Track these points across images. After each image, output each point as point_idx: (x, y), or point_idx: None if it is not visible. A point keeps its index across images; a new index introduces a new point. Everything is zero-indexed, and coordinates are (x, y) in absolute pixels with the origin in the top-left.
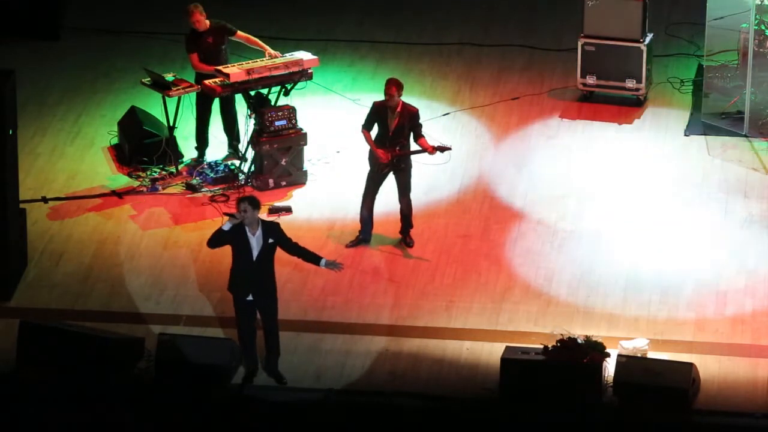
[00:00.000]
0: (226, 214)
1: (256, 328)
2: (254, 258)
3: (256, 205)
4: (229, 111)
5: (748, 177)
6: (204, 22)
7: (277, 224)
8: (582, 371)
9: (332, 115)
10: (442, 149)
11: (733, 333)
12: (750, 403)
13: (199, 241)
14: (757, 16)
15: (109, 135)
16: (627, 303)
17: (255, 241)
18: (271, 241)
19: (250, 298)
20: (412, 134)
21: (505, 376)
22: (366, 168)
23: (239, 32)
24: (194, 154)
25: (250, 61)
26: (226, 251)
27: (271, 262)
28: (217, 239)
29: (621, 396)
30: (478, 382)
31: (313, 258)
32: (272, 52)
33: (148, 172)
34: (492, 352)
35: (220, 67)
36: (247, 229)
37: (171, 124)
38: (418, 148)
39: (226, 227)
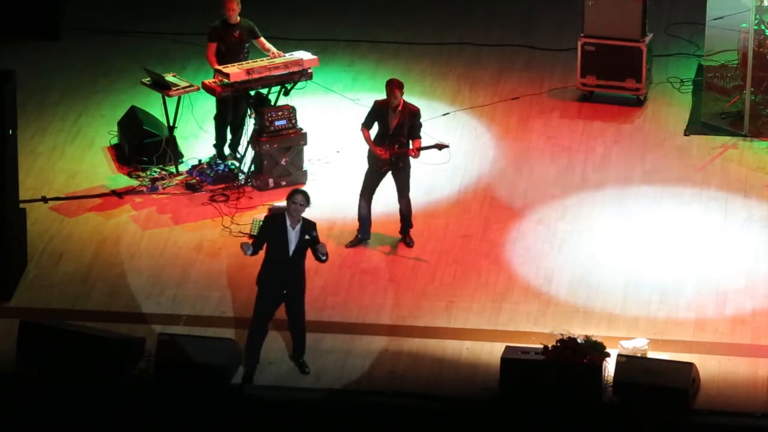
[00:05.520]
0: (242, 245)
1: (268, 329)
2: (290, 253)
3: (308, 200)
4: (238, 111)
5: (748, 177)
6: (236, 15)
7: (315, 223)
8: (582, 371)
9: (332, 115)
10: (440, 147)
11: (733, 333)
12: (750, 403)
13: (199, 241)
14: (757, 16)
15: (109, 135)
16: (627, 303)
17: (294, 235)
18: (307, 237)
19: (285, 292)
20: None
21: (505, 376)
22: (365, 167)
23: (261, 38)
24: (195, 153)
25: (250, 61)
26: (218, 252)
27: (303, 258)
28: (255, 246)
29: (621, 396)
30: (478, 382)
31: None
32: (278, 52)
33: (148, 172)
34: (492, 352)
35: (220, 67)
36: (288, 222)
37: (171, 124)
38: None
39: (249, 252)
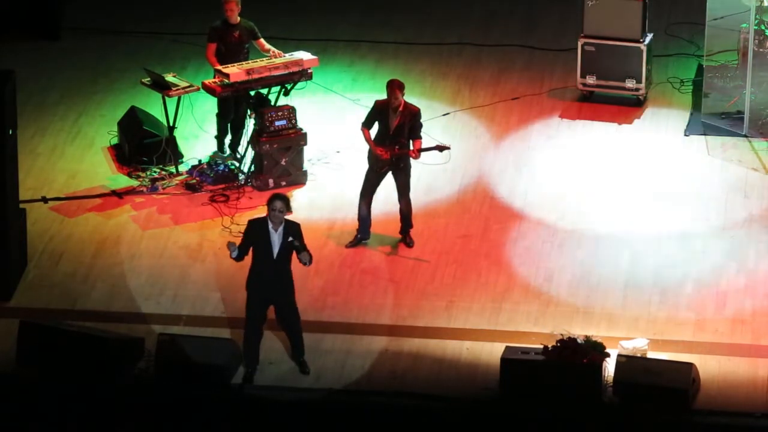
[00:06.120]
0: (229, 243)
1: (263, 330)
2: (275, 255)
3: (288, 205)
4: (239, 111)
5: (748, 177)
6: (236, 15)
7: (298, 224)
8: (582, 371)
9: (332, 115)
10: (440, 148)
11: (733, 333)
12: (750, 403)
13: (199, 241)
14: (757, 16)
15: (109, 135)
16: (627, 303)
17: (277, 237)
18: (290, 239)
19: (273, 294)
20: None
21: (505, 376)
22: (366, 167)
23: (261, 39)
24: (195, 154)
25: (250, 61)
26: (218, 252)
27: (289, 261)
28: (240, 251)
29: (621, 396)
30: (478, 382)
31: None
32: (277, 52)
33: (148, 172)
34: (492, 352)
35: (220, 67)
36: (270, 225)
37: (171, 124)
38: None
39: (235, 254)
